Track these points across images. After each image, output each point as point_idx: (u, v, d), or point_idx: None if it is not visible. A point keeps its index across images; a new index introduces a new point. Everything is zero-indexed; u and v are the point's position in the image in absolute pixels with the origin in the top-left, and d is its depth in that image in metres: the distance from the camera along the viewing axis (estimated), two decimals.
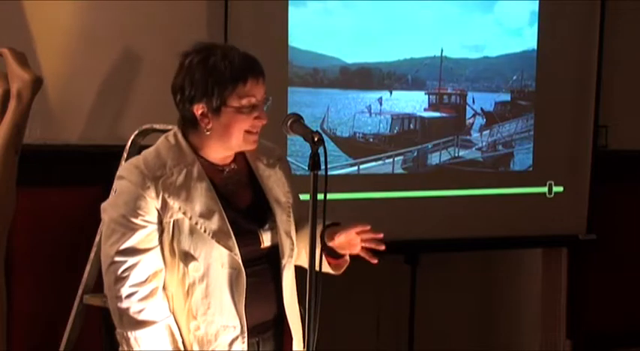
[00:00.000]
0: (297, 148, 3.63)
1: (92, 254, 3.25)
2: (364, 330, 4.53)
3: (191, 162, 2.13)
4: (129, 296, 2.06)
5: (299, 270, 2.28)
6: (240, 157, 2.24)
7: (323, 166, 2.06)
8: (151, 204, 2.07)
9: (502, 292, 4.89)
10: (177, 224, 2.09)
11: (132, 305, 2.06)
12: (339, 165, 3.96)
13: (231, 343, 2.13)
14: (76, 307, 3.28)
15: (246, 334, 2.14)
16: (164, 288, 2.12)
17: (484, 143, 4.20)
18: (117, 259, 2.06)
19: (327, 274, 2.23)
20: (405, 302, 4.22)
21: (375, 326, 4.54)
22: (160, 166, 2.10)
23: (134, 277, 2.06)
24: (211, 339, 2.12)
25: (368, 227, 2.17)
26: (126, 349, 2.10)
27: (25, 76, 3.15)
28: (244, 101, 2.10)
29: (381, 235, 2.18)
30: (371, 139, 4.02)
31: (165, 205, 2.08)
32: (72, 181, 3.67)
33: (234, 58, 2.09)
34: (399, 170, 4.06)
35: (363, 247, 2.20)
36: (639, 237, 4.71)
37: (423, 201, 4.10)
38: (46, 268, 3.66)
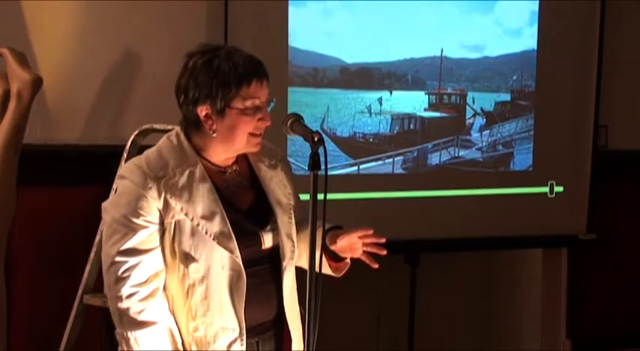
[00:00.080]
0: (297, 148, 3.63)
1: (92, 254, 3.25)
2: (364, 330, 4.53)
3: (193, 163, 2.13)
4: (129, 296, 2.06)
5: (299, 271, 2.28)
6: (241, 158, 2.24)
7: (323, 166, 2.06)
8: (153, 204, 2.07)
9: (502, 292, 4.89)
10: (178, 225, 2.08)
11: (132, 305, 2.06)
12: (339, 165, 3.96)
13: (229, 345, 2.13)
14: (76, 307, 3.28)
15: (244, 336, 2.13)
16: (164, 288, 2.12)
17: (484, 143, 4.20)
18: (118, 259, 2.06)
19: (327, 276, 2.23)
20: (405, 302, 4.22)
21: (375, 326, 4.53)
22: (162, 166, 2.10)
23: (135, 277, 2.06)
24: (210, 340, 2.12)
25: (371, 231, 2.16)
26: (125, 349, 2.10)
27: (25, 76, 3.15)
28: (248, 103, 2.09)
29: (383, 240, 2.17)
30: (371, 139, 4.02)
31: (167, 206, 2.07)
32: (72, 181, 3.67)
33: (238, 60, 2.09)
34: (399, 170, 4.06)
35: (364, 251, 2.20)
36: (639, 237, 4.70)
37: (423, 201, 4.10)
38: (46, 268, 3.66)
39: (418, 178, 4.10)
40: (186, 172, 2.11)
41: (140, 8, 3.73)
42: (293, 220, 2.27)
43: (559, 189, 4.31)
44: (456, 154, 4.15)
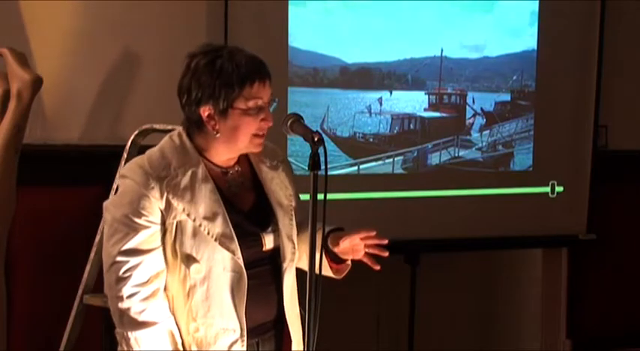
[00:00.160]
0: (297, 148, 3.63)
1: (92, 254, 3.25)
2: (364, 330, 4.53)
3: (196, 163, 2.13)
4: (130, 296, 2.05)
5: (299, 271, 2.27)
6: (243, 159, 2.24)
7: (323, 166, 2.06)
8: (155, 204, 2.07)
9: (502, 292, 4.89)
10: (180, 226, 2.08)
11: (133, 305, 2.06)
12: (339, 165, 3.96)
13: (230, 346, 2.12)
14: (76, 307, 3.28)
15: (245, 337, 2.13)
16: (165, 289, 2.11)
17: (484, 143, 4.20)
18: (119, 259, 2.06)
19: (327, 277, 2.23)
20: (405, 302, 4.22)
21: (375, 326, 4.53)
22: (164, 166, 2.10)
23: (136, 277, 2.06)
24: (210, 341, 2.12)
25: (373, 233, 2.16)
26: (125, 349, 2.10)
27: (25, 76, 3.15)
28: (251, 103, 2.09)
29: (385, 241, 2.17)
30: (371, 139, 4.02)
31: (169, 206, 2.07)
32: (72, 181, 3.67)
33: (241, 61, 2.08)
34: (399, 170, 4.06)
35: (366, 253, 2.20)
36: (639, 237, 4.70)
37: (423, 201, 4.10)
38: (46, 268, 3.66)
39: (418, 178, 4.10)
40: (189, 173, 2.11)
41: (140, 8, 3.73)
42: (294, 222, 2.27)
43: (559, 189, 4.31)
44: (456, 154, 4.15)
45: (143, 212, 2.06)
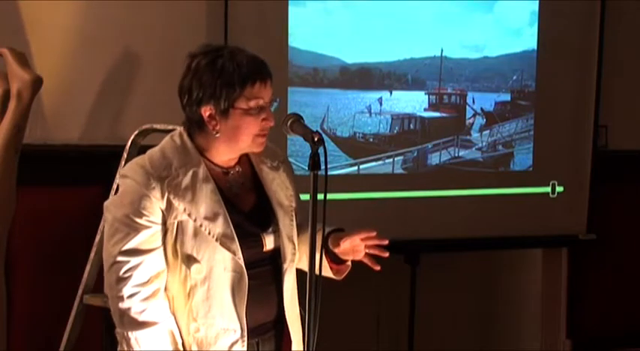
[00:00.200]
0: (297, 148, 3.63)
1: (92, 254, 3.25)
2: (364, 330, 4.53)
3: (197, 163, 2.13)
4: (131, 296, 2.05)
5: (299, 272, 2.27)
6: (244, 159, 2.24)
7: (323, 166, 2.06)
8: (156, 204, 2.06)
9: (502, 292, 4.89)
10: (181, 226, 2.08)
11: (133, 305, 2.06)
12: (339, 165, 3.96)
13: (230, 346, 2.12)
14: (76, 307, 3.28)
15: (246, 338, 2.13)
16: (165, 289, 2.11)
17: (484, 143, 4.20)
18: (120, 259, 2.06)
19: (327, 277, 2.23)
20: (405, 302, 4.22)
21: (375, 326, 4.53)
22: (165, 166, 2.10)
23: (136, 277, 2.06)
24: (211, 341, 2.12)
25: (374, 233, 2.16)
26: (126, 349, 2.10)
27: (25, 76, 3.15)
28: (252, 103, 2.09)
29: (386, 241, 2.17)
30: (371, 139, 4.02)
31: (170, 206, 2.07)
32: (72, 181, 3.67)
33: (242, 60, 2.08)
34: (399, 170, 4.06)
35: (366, 253, 2.20)
36: (639, 237, 4.70)
37: (423, 201, 4.10)
38: (46, 268, 3.66)
39: (418, 178, 4.10)
40: (190, 173, 2.11)
41: (140, 8, 3.73)
42: (294, 222, 2.27)
43: (559, 189, 4.31)
44: (456, 154, 4.15)
45: (144, 212, 2.06)
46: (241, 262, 2.11)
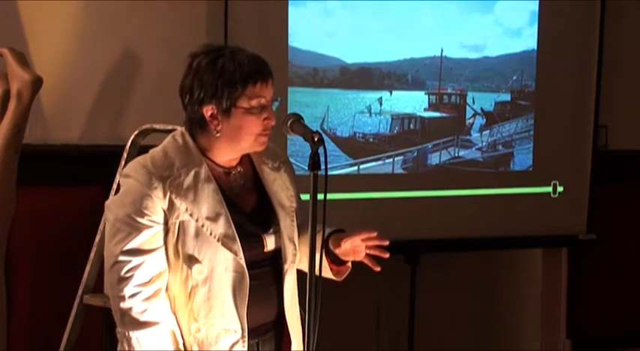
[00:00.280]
0: (297, 148, 3.63)
1: (92, 254, 3.25)
2: (364, 330, 4.53)
3: (199, 163, 2.13)
4: (132, 296, 2.05)
5: (300, 273, 2.27)
6: (245, 159, 2.24)
7: (323, 166, 2.06)
8: (158, 204, 2.06)
9: (502, 292, 4.89)
10: (182, 226, 2.08)
11: (135, 305, 2.06)
12: (339, 165, 3.96)
13: (231, 346, 2.12)
14: (76, 307, 3.28)
15: (246, 338, 2.13)
16: (166, 289, 2.11)
17: (484, 143, 4.20)
18: (121, 258, 2.06)
19: (327, 278, 2.23)
20: (405, 302, 4.22)
21: (375, 326, 4.53)
22: (167, 166, 2.10)
23: (138, 277, 2.06)
24: (212, 341, 2.12)
25: (374, 234, 2.16)
26: (127, 349, 2.10)
27: (25, 76, 3.15)
28: (254, 102, 2.09)
29: (386, 242, 2.17)
30: (371, 139, 4.02)
31: (171, 206, 2.07)
32: (72, 181, 3.67)
33: (243, 60, 2.08)
34: (399, 170, 4.06)
35: (367, 254, 2.20)
36: (639, 237, 4.70)
37: (423, 201, 4.10)
38: (46, 268, 3.66)
39: (418, 178, 4.10)
40: (192, 173, 2.11)
41: (140, 8, 3.73)
42: (295, 223, 2.27)
43: (559, 189, 4.31)
44: (456, 154, 4.15)
45: (146, 212, 2.06)
46: (243, 262, 2.11)
